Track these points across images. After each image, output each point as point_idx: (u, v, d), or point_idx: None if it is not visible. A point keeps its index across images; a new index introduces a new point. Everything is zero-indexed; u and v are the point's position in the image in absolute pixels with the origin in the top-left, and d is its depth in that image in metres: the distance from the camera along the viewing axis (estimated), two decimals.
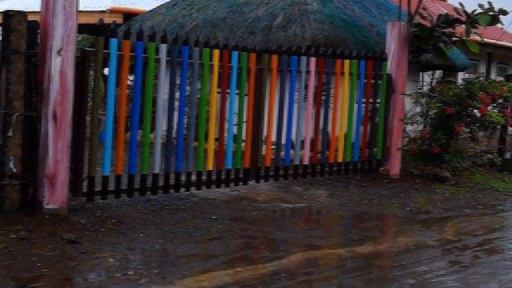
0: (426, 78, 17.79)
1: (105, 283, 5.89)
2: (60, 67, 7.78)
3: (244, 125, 10.21)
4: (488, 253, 8.03)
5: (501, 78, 17.97)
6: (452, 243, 8.19)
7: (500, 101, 13.31)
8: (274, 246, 7.53)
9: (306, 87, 11.12)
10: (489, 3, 12.19)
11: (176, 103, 9.49)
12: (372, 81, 12.00)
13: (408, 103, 13.08)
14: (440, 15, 12.54)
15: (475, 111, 12.56)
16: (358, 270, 6.79)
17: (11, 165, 7.64)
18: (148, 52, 8.94)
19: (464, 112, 12.44)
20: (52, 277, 5.94)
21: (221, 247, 7.23)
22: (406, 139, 13.13)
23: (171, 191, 9.41)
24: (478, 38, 13.07)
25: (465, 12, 12.30)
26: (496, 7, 12.17)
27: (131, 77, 10.76)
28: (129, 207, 8.64)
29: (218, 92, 9.82)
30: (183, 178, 9.50)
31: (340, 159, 11.61)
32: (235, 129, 10.08)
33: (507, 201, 11.25)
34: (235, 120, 10.10)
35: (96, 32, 13.26)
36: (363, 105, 11.99)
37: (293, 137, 10.95)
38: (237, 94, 10.04)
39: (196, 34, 12.89)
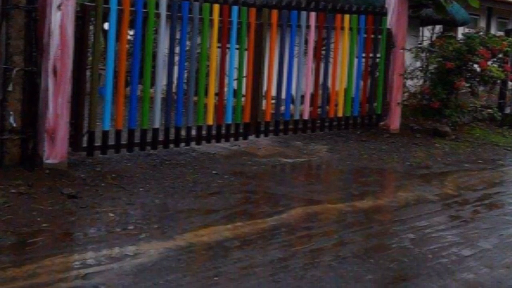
0: (426, 33, 17.72)
1: (105, 237, 5.91)
2: (60, 21, 7.73)
3: (244, 80, 10.17)
4: (488, 207, 8.05)
5: (501, 33, 17.86)
6: (452, 197, 8.20)
7: (500, 56, 13.24)
8: (274, 201, 7.55)
9: (306, 42, 11.06)
10: None
11: (176, 58, 9.44)
12: (372, 36, 11.93)
13: (408, 58, 13.04)
14: None
15: (475, 66, 12.52)
16: (358, 225, 6.80)
17: (11, 120, 7.64)
18: (148, 7, 8.88)
19: (464, 67, 12.40)
20: (52, 232, 5.96)
21: (221, 202, 7.24)
22: (406, 94, 13.12)
23: (171, 146, 9.42)
24: None
25: None
26: None
27: (131, 32, 10.71)
28: (129, 162, 8.66)
29: (218, 47, 9.78)
30: (183, 133, 9.50)
31: (340, 114, 11.60)
32: (235, 84, 10.05)
33: (507, 156, 11.27)
34: (235, 75, 10.07)
35: None
36: (363, 60, 11.95)
37: (293, 91, 10.93)
38: (237, 49, 9.99)
39: None
